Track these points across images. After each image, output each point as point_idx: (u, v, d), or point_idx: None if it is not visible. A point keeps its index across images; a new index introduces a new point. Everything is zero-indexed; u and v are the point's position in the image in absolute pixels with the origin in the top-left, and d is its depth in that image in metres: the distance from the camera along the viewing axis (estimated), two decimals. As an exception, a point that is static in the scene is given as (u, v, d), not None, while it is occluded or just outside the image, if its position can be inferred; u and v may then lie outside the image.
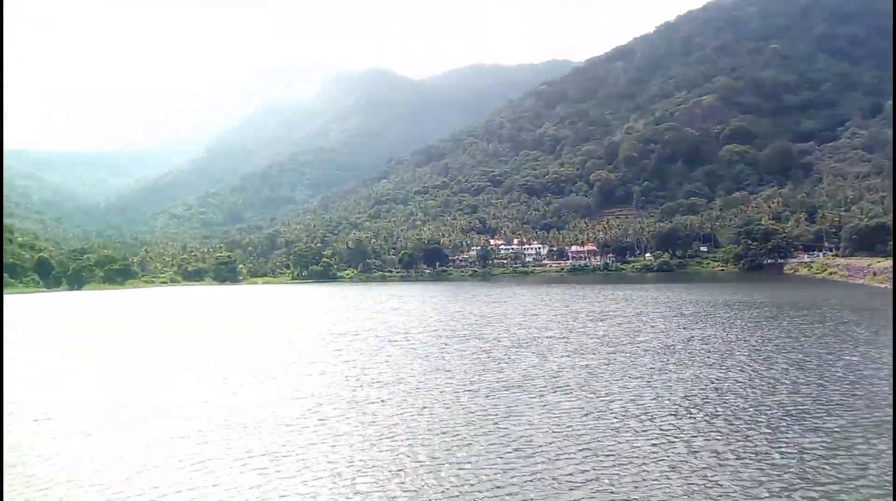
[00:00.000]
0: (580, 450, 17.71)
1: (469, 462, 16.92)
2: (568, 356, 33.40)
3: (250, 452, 18.24)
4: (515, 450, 17.80)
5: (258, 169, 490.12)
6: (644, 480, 15.55)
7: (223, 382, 29.13)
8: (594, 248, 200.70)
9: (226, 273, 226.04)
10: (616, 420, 20.59)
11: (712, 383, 26.05)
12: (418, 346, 39.08)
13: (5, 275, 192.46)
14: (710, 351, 34.04)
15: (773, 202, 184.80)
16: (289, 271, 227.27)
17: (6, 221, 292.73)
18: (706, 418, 20.77)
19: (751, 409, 21.77)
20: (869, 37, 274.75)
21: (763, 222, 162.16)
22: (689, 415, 21.14)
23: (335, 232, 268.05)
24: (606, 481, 15.54)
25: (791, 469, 16.01)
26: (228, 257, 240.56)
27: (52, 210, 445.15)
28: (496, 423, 20.54)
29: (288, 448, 18.52)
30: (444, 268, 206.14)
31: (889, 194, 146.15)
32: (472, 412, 21.93)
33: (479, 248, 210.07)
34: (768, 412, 21.18)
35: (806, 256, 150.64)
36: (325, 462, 17.31)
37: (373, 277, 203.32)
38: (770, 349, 34.07)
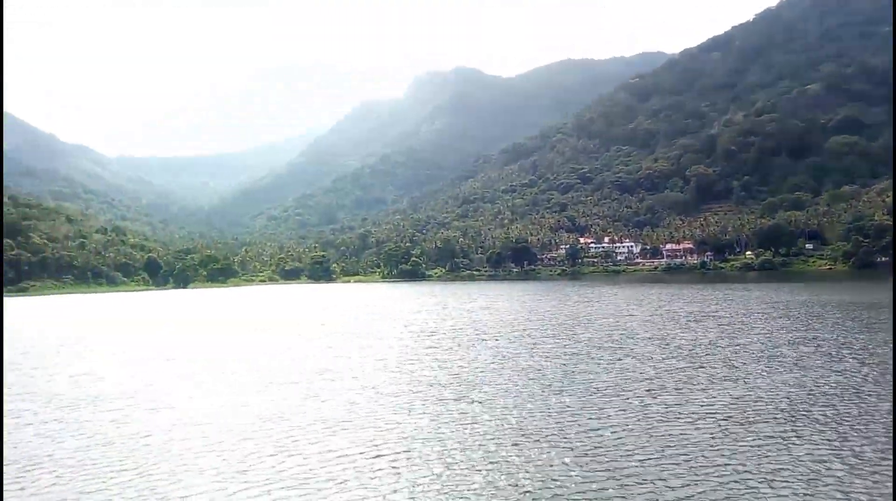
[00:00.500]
0: (676, 455, 17.12)
1: (560, 465, 16.72)
2: (665, 358, 32.34)
3: (344, 450, 18.73)
4: (608, 455, 17.43)
5: (350, 171, 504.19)
6: (744, 488, 14.85)
7: (327, 379, 30.15)
8: (690, 246, 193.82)
9: (320, 272, 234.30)
10: (715, 426, 19.75)
11: (819, 388, 24.51)
12: (508, 345, 38.98)
13: (118, 274, 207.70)
14: (818, 355, 32.03)
15: (887, 196, 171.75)
16: (379, 271, 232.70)
17: (119, 223, 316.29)
18: (811, 424, 19.58)
19: (861, 417, 20.33)
20: None
21: (876, 218, 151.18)
22: (792, 421, 20.00)
23: (423, 232, 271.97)
24: (701, 488, 14.96)
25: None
26: (322, 256, 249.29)
27: (160, 213, 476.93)
28: (588, 426, 20.18)
29: (385, 446, 18.88)
30: (532, 267, 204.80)
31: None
32: (563, 415, 21.65)
33: (568, 246, 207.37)
34: (881, 420, 19.72)
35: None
36: (420, 461, 17.53)
37: (460, 276, 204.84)
38: (883, 354, 31.67)
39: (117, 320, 76.68)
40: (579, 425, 20.27)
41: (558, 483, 15.57)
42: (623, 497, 14.67)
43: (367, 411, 23.00)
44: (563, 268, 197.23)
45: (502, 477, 15.99)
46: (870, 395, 23.27)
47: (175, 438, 20.13)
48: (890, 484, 14.80)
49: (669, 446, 17.95)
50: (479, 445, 18.55)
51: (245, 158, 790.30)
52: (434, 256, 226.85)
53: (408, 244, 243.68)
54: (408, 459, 17.53)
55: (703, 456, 17.04)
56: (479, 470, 16.51)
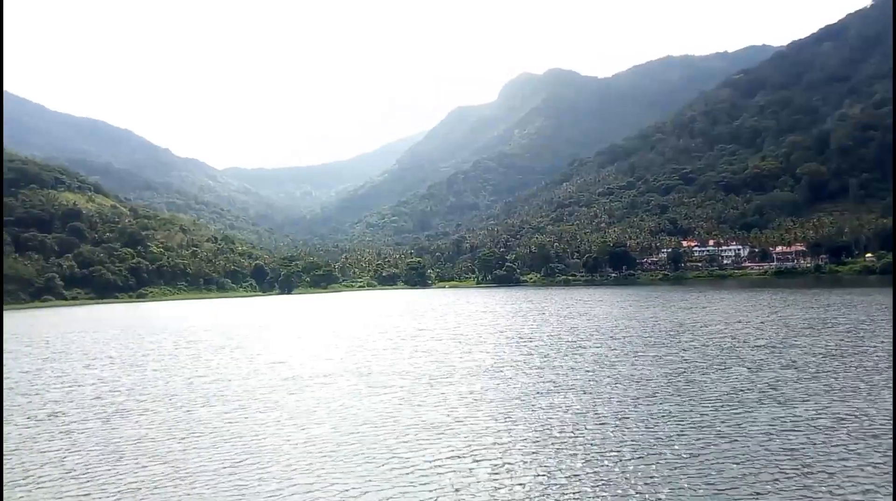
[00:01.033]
0: (794, 468, 16.15)
1: (660, 478, 16.17)
2: (781, 368, 30.58)
3: (453, 449, 18.94)
4: (727, 470, 16.70)
5: (443, 177, 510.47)
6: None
7: (426, 384, 30.68)
8: (803, 248, 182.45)
9: (416, 278, 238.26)
10: (838, 439, 18.46)
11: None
12: (608, 353, 38.11)
13: (227, 280, 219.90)
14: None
15: None
16: (473, 276, 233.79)
17: (228, 232, 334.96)
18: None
19: None
20: None
21: None
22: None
23: (517, 237, 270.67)
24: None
25: None
26: (418, 262, 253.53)
27: (266, 222, 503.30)
28: (693, 438, 19.37)
29: (487, 450, 18.95)
30: (632, 271, 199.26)
31: None
32: (667, 425, 20.91)
33: (669, 250, 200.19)
34: None
35: None
36: (522, 467, 17.46)
37: (556, 281, 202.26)
38: None
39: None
40: (684, 436, 19.49)
41: (673, 496, 15.07)
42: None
43: (461, 416, 23.16)
44: (665, 273, 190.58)
45: (605, 490, 15.64)
46: None
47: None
48: None
49: (787, 456, 16.94)
50: (581, 455, 18.23)
51: (344, 168, 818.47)
52: (528, 261, 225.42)
53: (502, 250, 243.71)
54: (516, 462, 17.51)
55: (825, 470, 15.95)
56: (581, 480, 16.24)
